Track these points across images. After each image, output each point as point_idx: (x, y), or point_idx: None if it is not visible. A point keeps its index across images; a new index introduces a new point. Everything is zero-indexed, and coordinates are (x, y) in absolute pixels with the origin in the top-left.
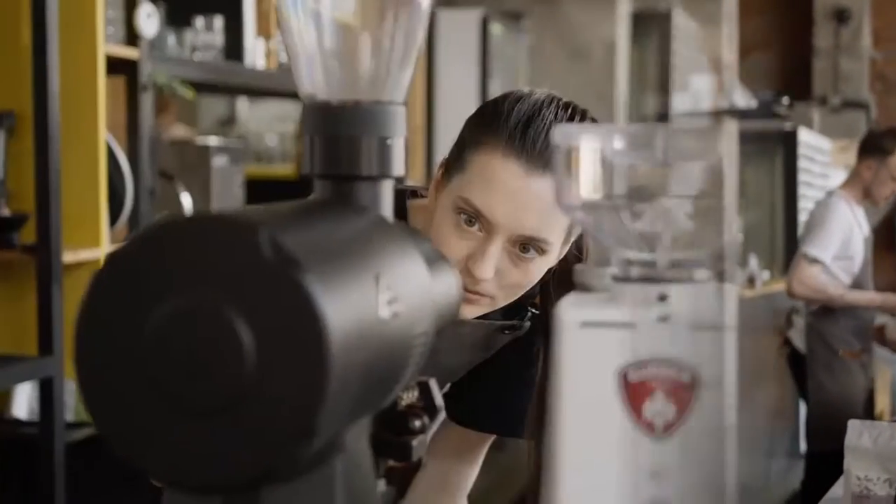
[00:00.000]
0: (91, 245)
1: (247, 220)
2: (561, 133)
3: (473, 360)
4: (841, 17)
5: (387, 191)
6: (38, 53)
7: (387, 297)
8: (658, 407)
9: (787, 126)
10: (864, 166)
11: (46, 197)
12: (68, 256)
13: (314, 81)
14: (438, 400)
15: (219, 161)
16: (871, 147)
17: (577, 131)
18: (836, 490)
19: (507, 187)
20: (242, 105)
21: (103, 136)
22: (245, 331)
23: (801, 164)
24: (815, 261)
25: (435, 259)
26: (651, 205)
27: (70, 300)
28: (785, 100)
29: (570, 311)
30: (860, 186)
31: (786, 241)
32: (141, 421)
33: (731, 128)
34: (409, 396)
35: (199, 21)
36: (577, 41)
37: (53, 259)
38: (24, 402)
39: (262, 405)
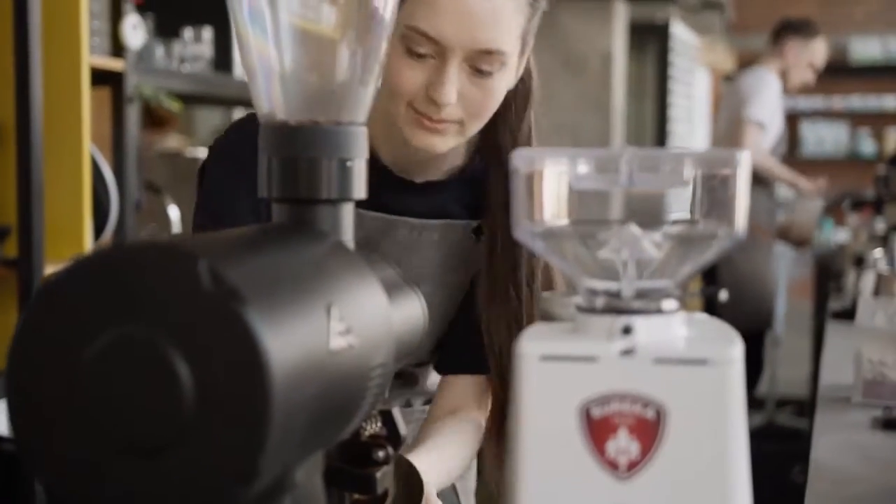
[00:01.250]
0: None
1: (186, 249)
2: (521, 157)
3: (448, 266)
4: None
5: (347, 214)
6: (20, 64)
7: (339, 328)
8: (622, 445)
9: (659, 19)
10: (788, 48)
11: (28, 209)
12: (51, 270)
13: (272, 100)
14: (402, 429)
15: None
16: (796, 29)
17: (538, 155)
18: (842, 378)
19: (451, 3)
20: (239, 115)
21: (87, 147)
22: (182, 366)
23: (671, 58)
24: (760, 125)
25: (397, 285)
26: (616, 232)
27: None
28: None
29: (529, 344)
30: (779, 68)
31: (656, 135)
32: (73, 456)
33: (622, 10)
34: (372, 427)
35: (188, 32)
36: (573, 53)
37: (35, 273)
38: (4, 417)
39: (200, 444)
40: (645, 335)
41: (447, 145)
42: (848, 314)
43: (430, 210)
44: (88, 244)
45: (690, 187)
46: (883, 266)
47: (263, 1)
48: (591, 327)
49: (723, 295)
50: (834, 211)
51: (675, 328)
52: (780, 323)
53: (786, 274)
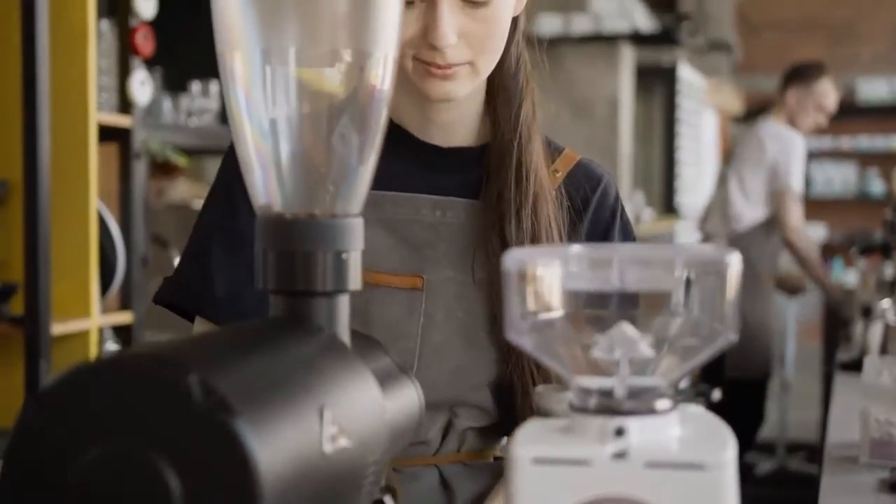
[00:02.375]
0: (81, 315)
1: (177, 360)
2: (512, 259)
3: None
4: None
5: (343, 306)
6: (28, 121)
7: (332, 430)
8: None
9: (666, 62)
10: (790, 94)
11: (35, 267)
12: (58, 328)
13: (269, 193)
14: None
15: None
16: (797, 76)
17: (529, 256)
18: (849, 434)
19: None
20: None
21: (94, 204)
22: (174, 479)
23: (678, 100)
24: (797, 196)
25: (391, 375)
26: (608, 330)
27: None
28: (686, 25)
29: (522, 447)
30: (785, 116)
31: (664, 178)
32: None
33: (629, 55)
34: None
35: (196, 85)
36: (580, 97)
37: (42, 331)
38: None
39: None
40: (638, 436)
41: (464, 90)
42: (856, 365)
43: (459, 186)
44: (95, 301)
45: (682, 286)
46: (891, 317)
47: (260, 95)
48: (583, 428)
49: (716, 394)
50: (843, 252)
51: (669, 428)
52: (790, 366)
53: (795, 316)
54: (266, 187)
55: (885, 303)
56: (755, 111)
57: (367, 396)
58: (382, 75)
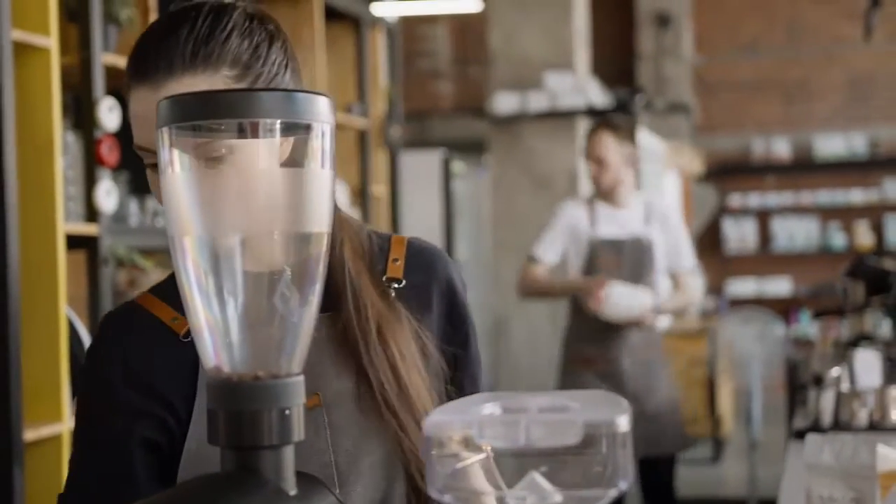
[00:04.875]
0: (53, 420)
1: None
2: (431, 424)
3: None
4: (662, 21)
5: (288, 456)
6: None
7: None
8: None
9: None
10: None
11: (6, 373)
12: (30, 434)
13: (218, 356)
14: None
15: None
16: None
17: (446, 422)
18: None
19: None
20: None
21: (63, 311)
22: None
23: (639, 166)
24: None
25: None
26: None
27: (32, 479)
28: (639, 98)
29: None
30: None
31: None
32: None
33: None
34: None
35: None
36: (540, 171)
37: (14, 439)
38: None
39: None
40: None
41: None
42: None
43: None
44: (66, 405)
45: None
46: (844, 385)
47: (207, 274)
48: None
49: None
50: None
51: None
52: (757, 423)
53: (759, 373)
54: (215, 352)
55: (835, 371)
56: (715, 171)
57: None
58: (319, 248)
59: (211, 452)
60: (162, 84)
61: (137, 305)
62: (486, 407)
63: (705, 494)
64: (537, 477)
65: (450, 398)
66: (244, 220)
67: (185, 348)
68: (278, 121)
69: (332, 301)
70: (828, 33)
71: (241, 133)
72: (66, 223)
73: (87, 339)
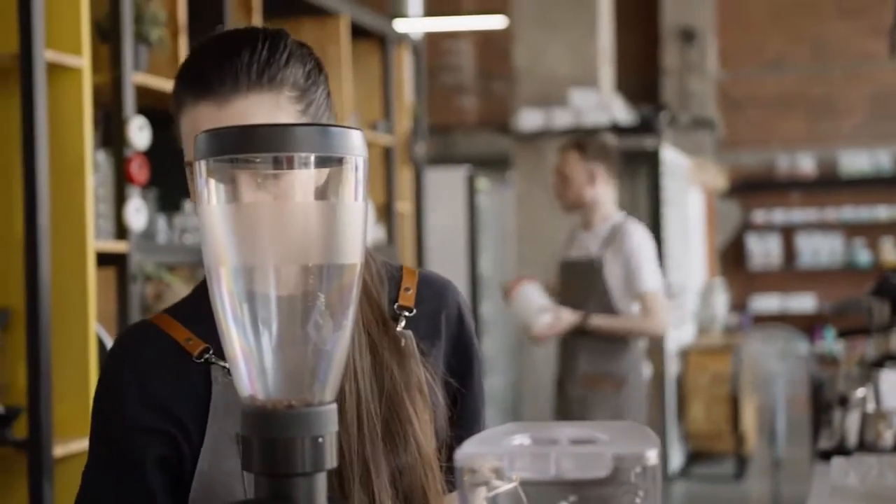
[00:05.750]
0: (82, 435)
1: None
2: (463, 455)
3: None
4: (687, 37)
5: (321, 483)
6: (30, 250)
7: None
8: None
9: (649, 146)
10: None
11: (37, 391)
12: (59, 450)
13: (253, 384)
14: None
15: None
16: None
17: (477, 453)
18: None
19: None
20: None
21: (93, 328)
22: None
23: (663, 181)
24: None
25: None
26: None
27: (62, 495)
28: (664, 114)
29: None
30: None
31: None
32: None
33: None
34: None
35: (189, 205)
36: None
37: (45, 455)
38: None
39: None
40: None
41: None
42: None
43: None
44: None
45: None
46: (869, 406)
47: (246, 308)
48: None
49: None
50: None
51: None
52: (781, 441)
53: (783, 389)
54: (249, 380)
55: (860, 391)
56: (740, 187)
57: None
58: (352, 277)
59: (223, 473)
60: (228, 99)
61: (152, 325)
62: (515, 438)
63: None
64: None
65: (451, 425)
66: (278, 251)
67: (198, 369)
68: (313, 154)
69: None
70: (853, 50)
71: (277, 165)
72: (97, 241)
73: None
